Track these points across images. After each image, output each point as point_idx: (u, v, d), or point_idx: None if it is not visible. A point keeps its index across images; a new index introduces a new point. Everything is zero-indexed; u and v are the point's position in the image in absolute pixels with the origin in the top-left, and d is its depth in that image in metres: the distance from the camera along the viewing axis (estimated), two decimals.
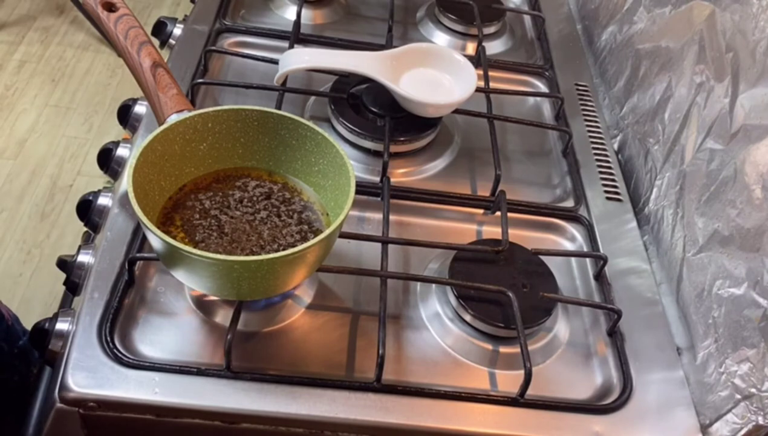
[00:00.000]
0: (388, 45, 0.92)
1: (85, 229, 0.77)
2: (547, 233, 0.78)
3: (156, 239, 0.54)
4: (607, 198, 0.81)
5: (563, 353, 0.67)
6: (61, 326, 0.62)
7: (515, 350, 0.63)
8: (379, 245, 0.68)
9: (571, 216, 0.79)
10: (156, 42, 0.84)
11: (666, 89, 0.81)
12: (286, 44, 0.89)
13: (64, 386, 0.56)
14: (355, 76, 0.81)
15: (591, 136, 0.89)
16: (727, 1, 0.70)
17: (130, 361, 0.58)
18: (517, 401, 0.61)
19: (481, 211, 0.78)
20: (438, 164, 0.82)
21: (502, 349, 0.65)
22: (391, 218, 0.73)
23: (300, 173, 0.67)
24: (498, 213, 0.73)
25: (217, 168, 0.66)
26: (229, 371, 0.58)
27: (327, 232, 0.56)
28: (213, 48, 0.89)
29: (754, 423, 0.58)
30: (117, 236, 0.67)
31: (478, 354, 0.65)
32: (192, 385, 0.58)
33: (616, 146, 0.90)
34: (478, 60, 0.93)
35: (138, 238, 0.67)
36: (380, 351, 0.59)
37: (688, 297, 0.69)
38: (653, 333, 0.69)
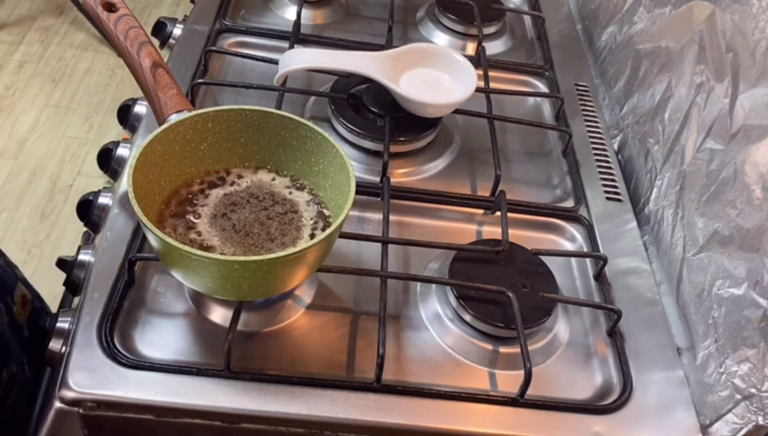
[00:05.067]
0: (388, 45, 0.92)
1: (85, 229, 0.77)
2: (547, 233, 0.78)
3: (156, 239, 0.54)
4: (607, 198, 0.81)
5: (563, 353, 0.67)
6: (61, 326, 0.62)
7: (515, 350, 0.63)
8: (379, 245, 0.68)
9: (571, 216, 0.79)
10: (156, 42, 0.84)
11: (666, 89, 0.81)
12: (286, 44, 0.89)
13: (64, 386, 0.56)
14: (355, 76, 0.81)
15: (591, 136, 0.89)
16: (727, 1, 0.70)
17: (130, 361, 0.58)
18: (517, 401, 0.61)
19: (481, 211, 0.78)
20: (438, 164, 0.82)
21: (502, 349, 0.65)
22: (391, 218, 0.73)
23: (300, 173, 0.67)
24: (498, 213, 0.73)
25: (217, 168, 0.66)
26: (228, 371, 0.58)
27: (327, 232, 0.56)
28: (213, 48, 0.89)
29: (754, 423, 0.58)
30: (117, 236, 0.67)
31: (478, 354, 0.65)
32: (192, 385, 0.58)
33: (616, 146, 0.90)
34: (478, 60, 0.93)
35: (138, 238, 0.67)
36: (380, 351, 0.59)
37: (688, 297, 0.69)
38: (653, 333, 0.69)
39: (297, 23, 0.92)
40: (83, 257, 0.68)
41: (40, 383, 0.71)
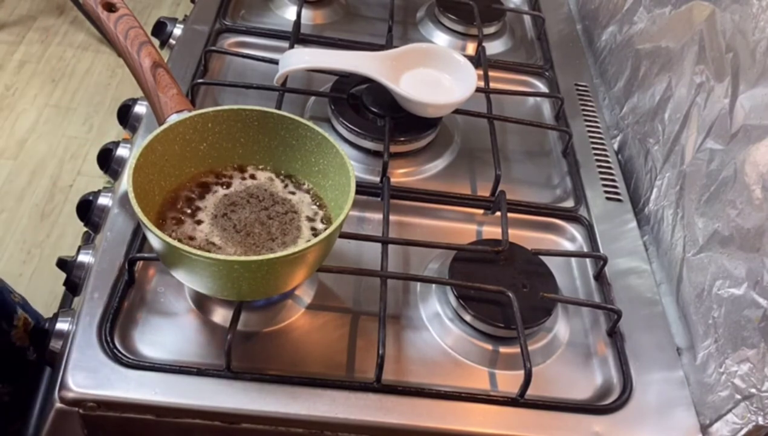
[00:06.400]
0: (388, 45, 0.92)
1: (85, 229, 0.77)
2: (547, 233, 0.78)
3: (156, 239, 0.54)
4: (607, 198, 0.81)
5: (563, 353, 0.67)
6: (61, 326, 0.62)
7: (515, 350, 0.63)
8: (379, 245, 0.68)
9: (571, 216, 0.79)
10: (156, 42, 0.84)
11: (666, 89, 0.81)
12: (286, 44, 0.89)
13: (64, 386, 0.56)
14: (355, 76, 0.81)
15: (591, 136, 0.89)
16: (727, 1, 0.70)
17: (130, 361, 0.58)
18: (517, 401, 0.61)
19: (481, 211, 0.78)
20: (438, 164, 0.82)
21: (502, 349, 0.65)
22: (391, 218, 0.73)
23: (300, 173, 0.67)
24: (498, 213, 0.73)
25: (217, 168, 0.66)
26: (229, 371, 0.58)
27: (327, 232, 0.56)
28: (213, 48, 0.89)
29: (754, 423, 0.58)
30: (117, 236, 0.67)
31: (478, 354, 0.65)
32: (192, 385, 0.58)
33: (616, 146, 0.90)
34: (478, 60, 0.93)
35: (138, 238, 0.67)
36: (380, 351, 0.59)
37: (688, 297, 0.69)
38: (653, 333, 0.69)
39: (297, 23, 0.92)
40: (83, 257, 0.68)
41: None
